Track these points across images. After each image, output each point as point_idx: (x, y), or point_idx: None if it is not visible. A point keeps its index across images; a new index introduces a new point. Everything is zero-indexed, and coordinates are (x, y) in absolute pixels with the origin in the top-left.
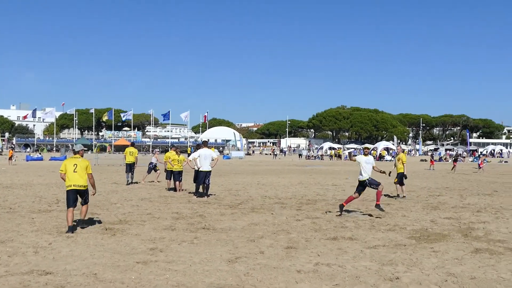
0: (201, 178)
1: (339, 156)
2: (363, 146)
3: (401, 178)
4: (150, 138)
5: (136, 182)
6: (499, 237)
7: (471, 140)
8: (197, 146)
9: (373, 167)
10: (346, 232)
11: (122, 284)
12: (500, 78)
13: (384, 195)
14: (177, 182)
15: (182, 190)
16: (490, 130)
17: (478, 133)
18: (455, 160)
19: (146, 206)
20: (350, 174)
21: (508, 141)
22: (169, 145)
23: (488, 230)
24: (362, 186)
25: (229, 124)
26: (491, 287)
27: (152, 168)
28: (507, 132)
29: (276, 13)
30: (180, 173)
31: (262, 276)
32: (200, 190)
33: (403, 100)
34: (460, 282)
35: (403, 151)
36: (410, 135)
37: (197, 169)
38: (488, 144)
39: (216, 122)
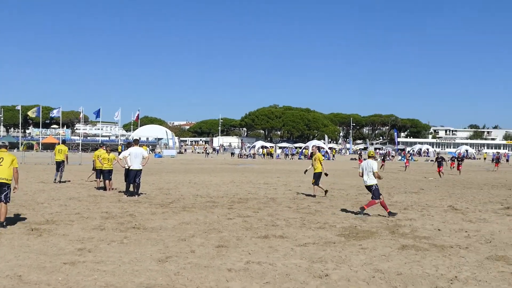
0: (131, 176)
1: (271, 155)
2: (371, 151)
3: (317, 178)
4: (79, 136)
5: (65, 181)
6: (425, 234)
7: (399, 139)
8: (128, 144)
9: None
10: (277, 231)
11: (48, 286)
12: (427, 79)
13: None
14: (107, 181)
15: (112, 189)
16: (417, 129)
17: (406, 133)
18: (383, 159)
19: (75, 206)
20: (281, 174)
21: (434, 140)
22: (100, 143)
23: (414, 227)
24: (370, 191)
25: (161, 122)
26: (417, 282)
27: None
28: (433, 132)
29: (276, 13)
30: (110, 171)
31: (193, 275)
32: (131, 189)
33: (334, 99)
34: (387, 278)
35: (319, 150)
36: (341, 134)
37: (127, 167)
38: (415, 143)
39: (148, 120)
